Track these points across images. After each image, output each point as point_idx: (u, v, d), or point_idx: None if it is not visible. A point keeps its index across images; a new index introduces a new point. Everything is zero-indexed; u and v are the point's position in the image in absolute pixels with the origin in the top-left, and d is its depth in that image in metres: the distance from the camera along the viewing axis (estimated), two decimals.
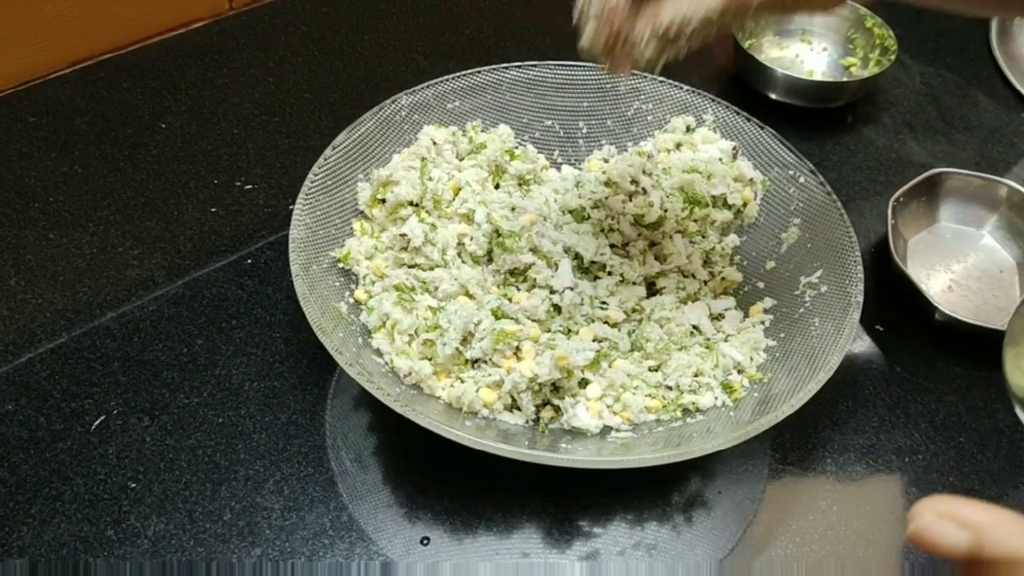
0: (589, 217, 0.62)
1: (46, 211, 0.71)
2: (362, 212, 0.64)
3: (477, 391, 0.54)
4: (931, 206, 0.76)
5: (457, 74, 0.69)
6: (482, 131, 0.68)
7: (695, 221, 0.64)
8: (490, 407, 0.55)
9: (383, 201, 0.63)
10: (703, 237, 0.65)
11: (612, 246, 0.62)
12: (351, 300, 0.60)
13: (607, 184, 0.63)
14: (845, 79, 0.87)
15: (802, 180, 0.65)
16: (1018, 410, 0.40)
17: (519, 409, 0.55)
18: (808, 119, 0.85)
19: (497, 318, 0.56)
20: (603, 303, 0.59)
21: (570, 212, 0.63)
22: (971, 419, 0.64)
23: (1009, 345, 0.40)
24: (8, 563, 0.52)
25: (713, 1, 0.46)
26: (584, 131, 0.72)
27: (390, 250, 0.61)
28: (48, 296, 0.66)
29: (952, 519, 0.28)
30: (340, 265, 0.61)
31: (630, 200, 0.63)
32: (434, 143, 0.65)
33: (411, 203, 0.63)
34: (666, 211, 0.63)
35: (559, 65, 0.71)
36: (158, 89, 0.83)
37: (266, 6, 0.92)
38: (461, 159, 0.67)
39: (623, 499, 0.57)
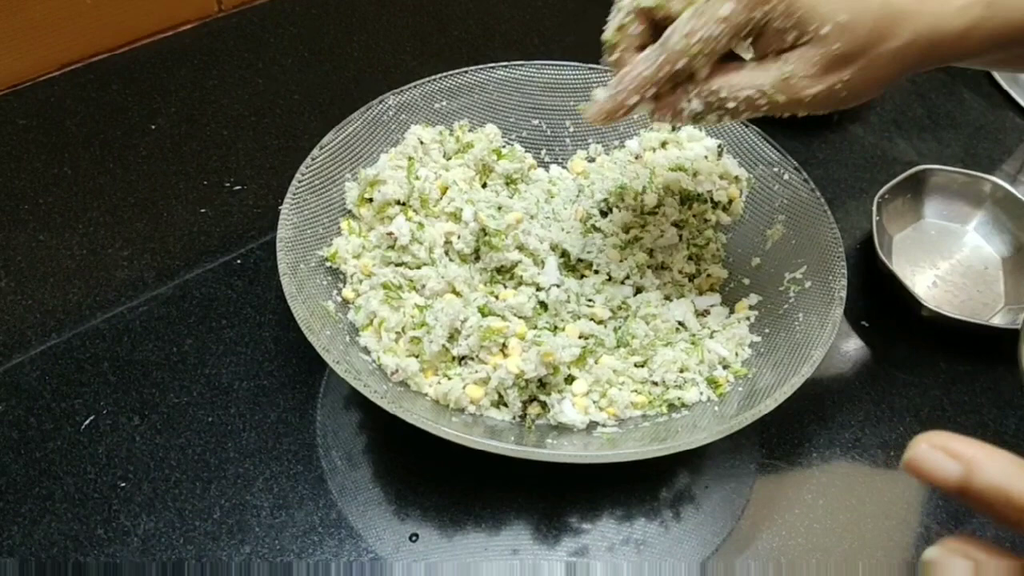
0: (600, 230, 0.63)
1: (36, 213, 0.71)
2: (350, 211, 0.64)
3: (464, 388, 0.55)
4: (916, 203, 0.76)
5: (444, 74, 0.69)
6: (469, 131, 0.69)
7: (695, 216, 0.65)
8: (477, 404, 0.55)
9: (370, 200, 0.63)
10: (699, 233, 0.65)
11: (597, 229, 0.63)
12: (339, 299, 0.60)
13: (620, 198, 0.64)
14: None
15: (786, 177, 0.65)
16: None
17: (506, 405, 0.56)
18: (794, 117, 0.86)
19: (484, 315, 0.56)
20: (589, 300, 0.59)
21: (580, 221, 0.64)
22: (955, 413, 0.64)
23: None
24: None
25: (767, 77, 0.48)
26: (571, 130, 0.73)
27: (377, 249, 0.62)
28: (38, 297, 0.66)
29: (945, 451, 0.29)
30: (328, 264, 0.61)
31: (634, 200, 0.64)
32: (421, 142, 0.66)
33: (398, 202, 0.63)
34: (660, 205, 0.64)
35: (546, 65, 0.71)
36: (147, 91, 0.83)
37: (255, 8, 0.93)
38: (448, 158, 0.67)
39: (611, 495, 0.58)
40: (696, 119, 0.50)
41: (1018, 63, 0.53)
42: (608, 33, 0.52)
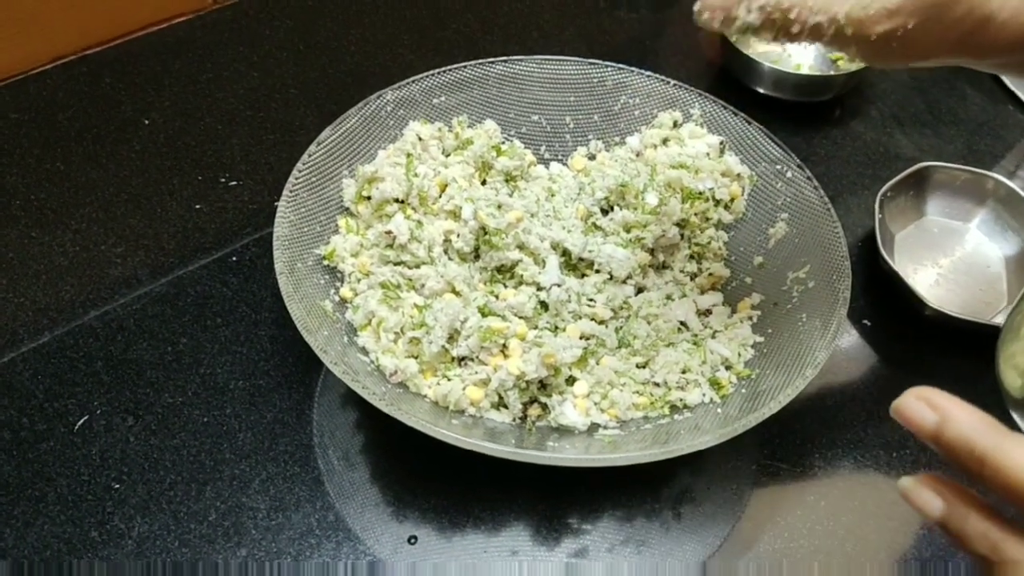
0: (601, 228, 0.62)
1: (28, 209, 0.70)
2: (347, 209, 0.63)
3: (464, 389, 0.54)
4: (918, 200, 0.76)
5: (443, 69, 0.68)
6: (468, 127, 0.68)
7: (696, 215, 0.64)
8: (477, 405, 0.54)
9: (368, 198, 0.62)
10: (701, 232, 0.64)
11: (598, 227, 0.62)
12: (336, 298, 0.59)
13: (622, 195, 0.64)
14: (832, 73, 0.87)
15: (789, 175, 0.65)
16: (1012, 411, 0.40)
17: (506, 407, 0.55)
18: (796, 113, 0.85)
19: (484, 315, 0.56)
20: (590, 300, 0.59)
21: (581, 220, 0.63)
22: None
23: (1003, 345, 0.40)
24: None
25: (845, 6, 0.45)
26: (571, 126, 0.72)
27: (376, 247, 0.61)
28: (30, 295, 0.65)
29: (928, 402, 0.32)
30: (325, 263, 0.60)
31: (635, 198, 0.63)
32: (420, 139, 0.65)
33: (397, 200, 0.62)
34: (662, 204, 0.63)
35: (546, 59, 0.70)
36: (141, 85, 0.82)
37: (250, 0, 0.91)
38: (447, 155, 0.66)
39: (612, 496, 0.57)
40: (745, 32, 0.46)
41: None
42: None
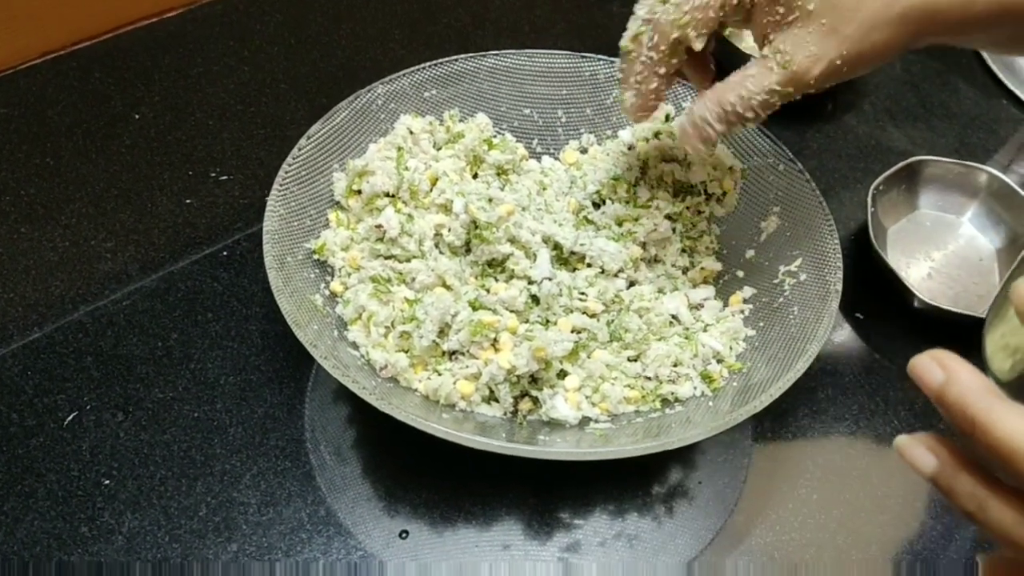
0: (592, 222, 0.62)
1: (17, 204, 0.70)
2: (338, 203, 0.63)
3: (454, 383, 0.54)
4: (911, 194, 0.76)
5: (434, 62, 0.68)
6: (460, 120, 0.68)
7: (688, 208, 0.64)
8: (468, 399, 0.54)
9: (359, 192, 0.62)
10: (693, 225, 0.64)
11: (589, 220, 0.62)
12: (327, 292, 0.59)
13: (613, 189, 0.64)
14: None
15: (782, 168, 0.65)
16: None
17: (497, 401, 0.55)
18: (788, 107, 0.84)
19: (475, 309, 0.55)
20: (582, 294, 0.59)
21: (573, 213, 0.63)
22: None
23: (990, 330, 0.41)
24: None
25: (772, 78, 0.50)
26: (563, 120, 0.72)
27: (366, 241, 0.61)
28: (20, 291, 0.65)
29: (939, 362, 0.33)
30: (315, 257, 0.60)
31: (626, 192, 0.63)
32: (411, 132, 0.65)
33: (387, 194, 0.62)
34: (654, 198, 0.63)
35: (537, 53, 0.70)
36: (131, 79, 0.81)
37: None
38: (438, 149, 0.66)
39: (604, 490, 0.57)
40: (725, 135, 0.53)
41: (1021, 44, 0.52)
42: (624, 41, 0.53)
